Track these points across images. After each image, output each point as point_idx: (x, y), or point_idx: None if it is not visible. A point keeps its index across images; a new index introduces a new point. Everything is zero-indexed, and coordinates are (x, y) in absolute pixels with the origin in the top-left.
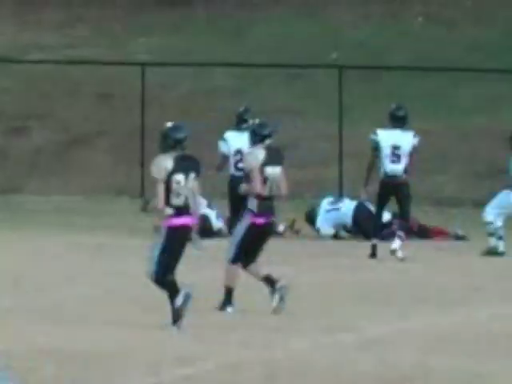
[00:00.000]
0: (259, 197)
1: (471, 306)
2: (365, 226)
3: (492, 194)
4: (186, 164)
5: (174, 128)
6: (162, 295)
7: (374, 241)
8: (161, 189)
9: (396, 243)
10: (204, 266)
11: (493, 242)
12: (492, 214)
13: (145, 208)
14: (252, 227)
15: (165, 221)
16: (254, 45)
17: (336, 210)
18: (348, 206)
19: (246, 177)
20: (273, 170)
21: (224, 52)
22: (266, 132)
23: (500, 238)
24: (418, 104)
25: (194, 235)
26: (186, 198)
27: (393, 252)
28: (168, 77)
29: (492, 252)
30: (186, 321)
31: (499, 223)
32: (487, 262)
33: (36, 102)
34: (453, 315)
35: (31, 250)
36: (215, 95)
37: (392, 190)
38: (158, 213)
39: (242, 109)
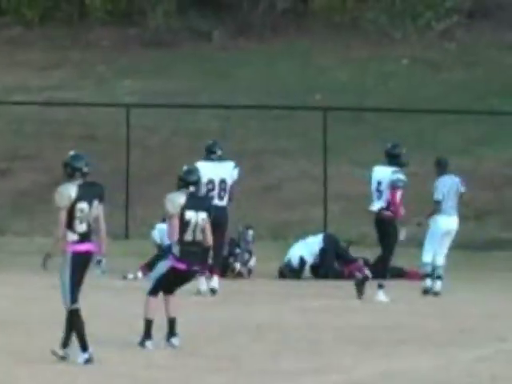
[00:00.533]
0: (181, 242)
1: (455, 347)
2: (329, 259)
3: (478, 236)
4: (89, 191)
5: (74, 157)
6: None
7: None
8: (63, 217)
9: (380, 295)
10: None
11: (428, 282)
12: (426, 253)
13: (45, 263)
14: (172, 270)
15: (69, 247)
16: (238, 86)
17: (303, 240)
18: (315, 238)
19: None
20: (195, 216)
21: (209, 93)
22: (191, 179)
23: (438, 277)
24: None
25: (99, 257)
26: (89, 225)
27: (379, 302)
28: (152, 118)
29: (426, 292)
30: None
31: (425, 259)
32: (470, 303)
33: (21, 144)
34: (437, 357)
35: (15, 292)
36: (200, 136)
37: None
38: (55, 241)
39: (210, 141)
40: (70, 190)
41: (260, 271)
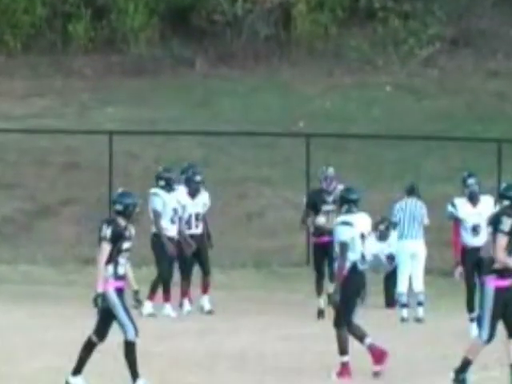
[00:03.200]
0: None
1: (439, 374)
2: None
3: None
4: None
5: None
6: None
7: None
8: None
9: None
10: None
11: (404, 312)
12: (400, 283)
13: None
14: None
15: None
16: (221, 114)
17: None
18: None
19: None
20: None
21: (191, 121)
22: (126, 202)
23: (419, 303)
24: (385, 173)
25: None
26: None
27: None
28: (135, 146)
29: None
30: None
31: (399, 289)
32: (453, 330)
33: (3, 172)
34: None
35: None
36: (182, 164)
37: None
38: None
39: (160, 168)
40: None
41: (242, 298)
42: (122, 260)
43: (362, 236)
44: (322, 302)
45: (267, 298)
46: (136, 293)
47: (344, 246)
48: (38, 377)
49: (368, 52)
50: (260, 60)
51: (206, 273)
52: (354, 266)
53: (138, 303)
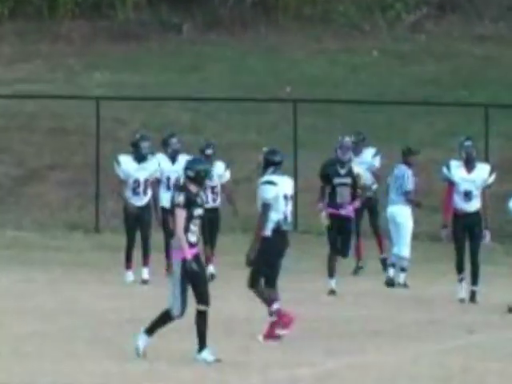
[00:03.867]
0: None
1: (425, 339)
2: None
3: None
4: None
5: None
6: (115, 331)
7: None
8: None
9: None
10: None
11: (390, 272)
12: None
13: None
14: None
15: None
16: (208, 80)
17: None
18: None
19: None
20: None
21: (179, 86)
22: (198, 168)
23: (401, 269)
24: (372, 137)
25: None
26: None
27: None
28: (122, 111)
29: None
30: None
31: (399, 253)
32: (442, 295)
33: None
34: (408, 349)
35: None
36: (170, 129)
37: None
38: None
39: (138, 136)
40: None
41: (231, 263)
42: (193, 227)
43: (286, 197)
44: (333, 283)
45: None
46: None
47: (267, 206)
48: (25, 341)
49: (355, 17)
50: (247, 25)
51: (212, 246)
52: (277, 226)
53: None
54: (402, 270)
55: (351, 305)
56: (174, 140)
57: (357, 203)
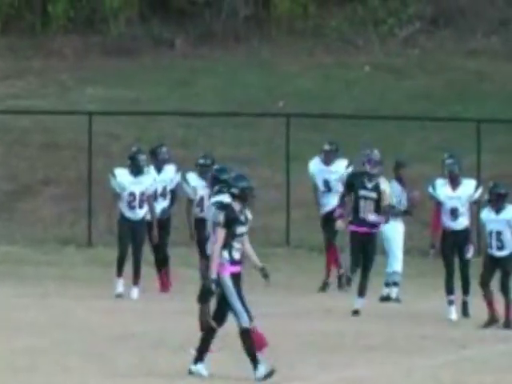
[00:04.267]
0: None
1: (418, 354)
2: None
3: None
4: None
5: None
6: (108, 346)
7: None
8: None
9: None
10: None
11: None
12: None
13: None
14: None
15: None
16: (201, 94)
17: None
18: None
19: None
20: None
21: (172, 101)
22: (242, 185)
23: (394, 284)
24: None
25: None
26: None
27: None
28: (114, 126)
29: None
30: None
31: (391, 269)
32: (432, 310)
33: None
34: (400, 363)
35: None
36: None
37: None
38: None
39: (134, 149)
40: None
41: None
42: (237, 245)
43: None
44: (359, 303)
45: (247, 277)
46: (262, 269)
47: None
48: (18, 356)
49: (348, 32)
50: (240, 40)
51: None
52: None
53: (266, 278)
54: (395, 284)
55: (343, 319)
56: (163, 149)
57: (382, 219)
